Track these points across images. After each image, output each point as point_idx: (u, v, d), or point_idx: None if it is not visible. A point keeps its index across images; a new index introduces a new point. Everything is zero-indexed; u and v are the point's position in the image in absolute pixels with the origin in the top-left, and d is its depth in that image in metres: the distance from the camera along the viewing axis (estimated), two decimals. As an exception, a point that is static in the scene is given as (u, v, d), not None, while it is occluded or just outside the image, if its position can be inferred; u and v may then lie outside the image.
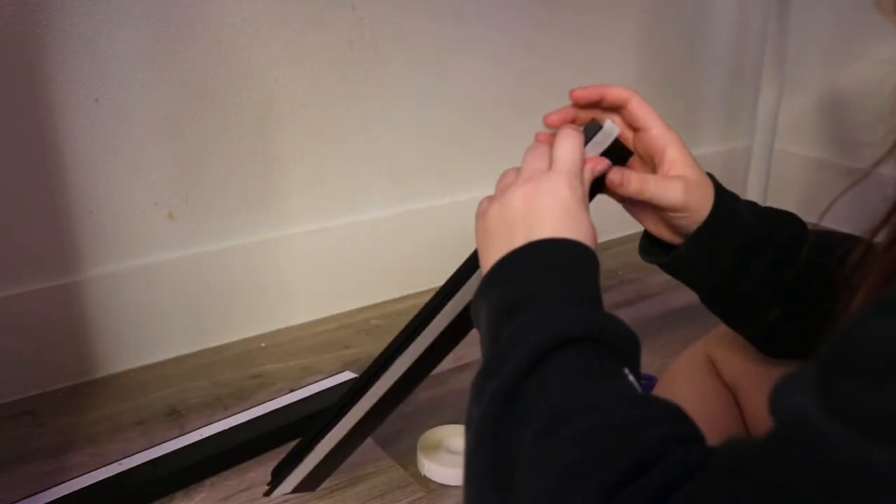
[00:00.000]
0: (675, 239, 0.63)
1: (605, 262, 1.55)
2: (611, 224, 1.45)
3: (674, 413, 0.40)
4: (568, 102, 0.63)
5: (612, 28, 1.34)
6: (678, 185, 0.59)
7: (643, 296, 1.19)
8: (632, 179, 0.59)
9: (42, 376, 0.96)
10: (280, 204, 1.09)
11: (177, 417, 0.92)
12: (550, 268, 0.50)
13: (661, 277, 1.31)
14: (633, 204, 0.63)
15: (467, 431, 0.44)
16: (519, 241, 0.51)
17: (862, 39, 1.38)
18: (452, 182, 1.23)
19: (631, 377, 0.43)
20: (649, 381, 0.96)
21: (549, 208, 0.52)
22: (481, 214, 0.56)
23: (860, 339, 0.30)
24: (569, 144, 0.54)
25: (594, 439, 0.37)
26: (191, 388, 0.98)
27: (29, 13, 0.86)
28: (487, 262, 0.52)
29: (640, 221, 0.65)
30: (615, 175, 0.59)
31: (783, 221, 0.64)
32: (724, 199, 0.61)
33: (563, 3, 1.27)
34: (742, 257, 0.62)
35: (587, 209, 0.54)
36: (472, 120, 1.23)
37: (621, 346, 0.45)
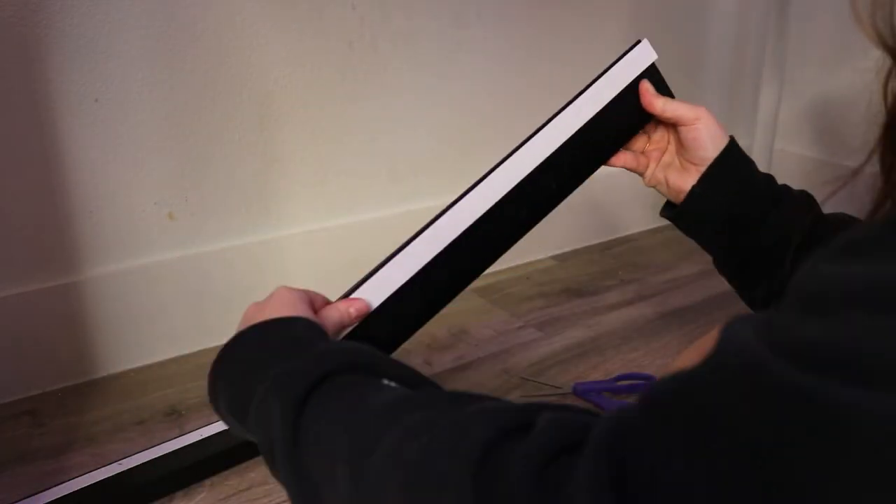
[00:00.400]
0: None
1: (606, 262, 1.55)
2: (612, 224, 1.45)
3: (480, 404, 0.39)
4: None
5: (612, 28, 1.34)
6: (688, 105, 0.73)
7: (643, 296, 1.19)
8: (657, 99, 0.74)
9: (42, 376, 0.96)
10: (280, 204, 1.09)
11: (177, 417, 0.92)
12: (262, 340, 0.53)
13: (661, 277, 1.31)
14: (658, 154, 0.77)
15: None
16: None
17: (862, 40, 1.38)
18: (452, 182, 1.23)
19: (393, 383, 0.44)
20: (649, 380, 0.96)
21: (263, 308, 0.58)
22: None
23: (806, 277, 0.31)
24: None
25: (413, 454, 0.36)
26: (191, 388, 0.98)
27: (29, 13, 0.86)
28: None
29: (667, 180, 0.76)
30: (647, 90, 0.74)
31: (793, 188, 0.73)
32: (736, 147, 0.72)
33: (563, 3, 1.27)
34: (759, 205, 0.70)
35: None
36: (472, 120, 1.23)
37: (364, 363, 0.46)
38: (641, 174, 0.78)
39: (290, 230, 1.10)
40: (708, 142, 0.71)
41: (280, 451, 0.43)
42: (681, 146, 0.74)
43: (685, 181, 0.73)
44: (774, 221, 0.69)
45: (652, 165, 0.77)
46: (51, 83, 0.89)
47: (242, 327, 0.56)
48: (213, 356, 0.99)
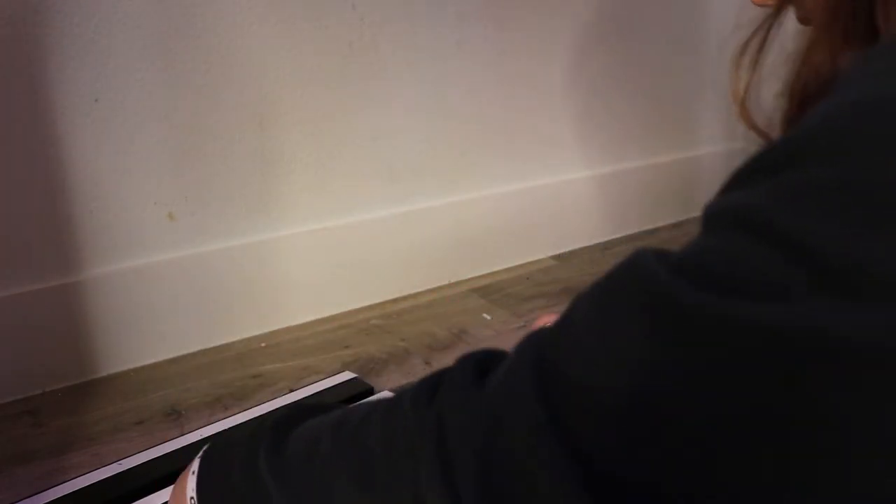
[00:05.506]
0: None
1: (606, 262, 1.55)
2: (612, 224, 1.45)
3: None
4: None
5: (611, 29, 1.34)
6: None
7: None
8: None
9: (42, 376, 0.96)
10: (280, 204, 1.09)
11: (177, 417, 0.92)
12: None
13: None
14: None
15: None
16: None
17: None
18: (452, 182, 1.24)
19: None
20: None
21: None
22: None
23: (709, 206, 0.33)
24: None
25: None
26: (191, 388, 0.98)
27: (29, 13, 0.86)
28: None
29: None
30: None
31: None
32: None
33: (563, 6, 1.27)
34: None
35: None
36: (471, 120, 1.23)
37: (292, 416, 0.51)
38: None
39: (290, 230, 1.10)
40: None
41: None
42: None
43: None
44: None
45: None
46: (51, 83, 0.89)
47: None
48: (213, 356, 0.99)
